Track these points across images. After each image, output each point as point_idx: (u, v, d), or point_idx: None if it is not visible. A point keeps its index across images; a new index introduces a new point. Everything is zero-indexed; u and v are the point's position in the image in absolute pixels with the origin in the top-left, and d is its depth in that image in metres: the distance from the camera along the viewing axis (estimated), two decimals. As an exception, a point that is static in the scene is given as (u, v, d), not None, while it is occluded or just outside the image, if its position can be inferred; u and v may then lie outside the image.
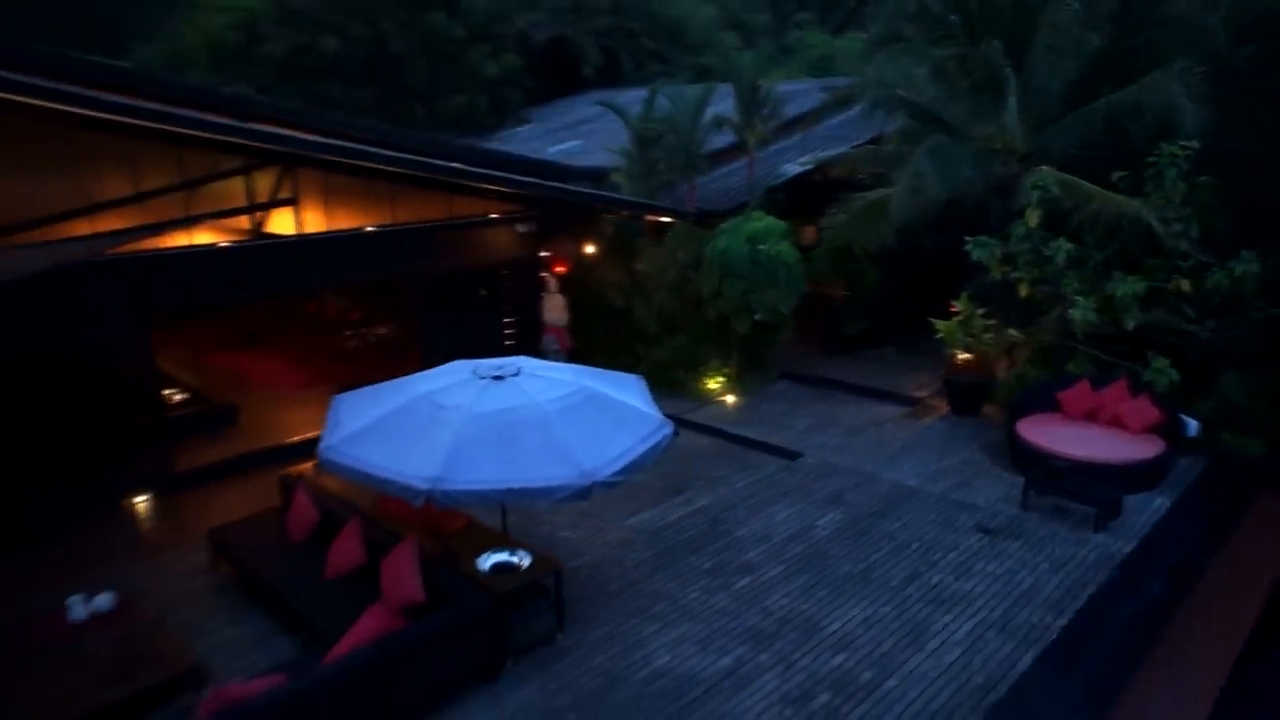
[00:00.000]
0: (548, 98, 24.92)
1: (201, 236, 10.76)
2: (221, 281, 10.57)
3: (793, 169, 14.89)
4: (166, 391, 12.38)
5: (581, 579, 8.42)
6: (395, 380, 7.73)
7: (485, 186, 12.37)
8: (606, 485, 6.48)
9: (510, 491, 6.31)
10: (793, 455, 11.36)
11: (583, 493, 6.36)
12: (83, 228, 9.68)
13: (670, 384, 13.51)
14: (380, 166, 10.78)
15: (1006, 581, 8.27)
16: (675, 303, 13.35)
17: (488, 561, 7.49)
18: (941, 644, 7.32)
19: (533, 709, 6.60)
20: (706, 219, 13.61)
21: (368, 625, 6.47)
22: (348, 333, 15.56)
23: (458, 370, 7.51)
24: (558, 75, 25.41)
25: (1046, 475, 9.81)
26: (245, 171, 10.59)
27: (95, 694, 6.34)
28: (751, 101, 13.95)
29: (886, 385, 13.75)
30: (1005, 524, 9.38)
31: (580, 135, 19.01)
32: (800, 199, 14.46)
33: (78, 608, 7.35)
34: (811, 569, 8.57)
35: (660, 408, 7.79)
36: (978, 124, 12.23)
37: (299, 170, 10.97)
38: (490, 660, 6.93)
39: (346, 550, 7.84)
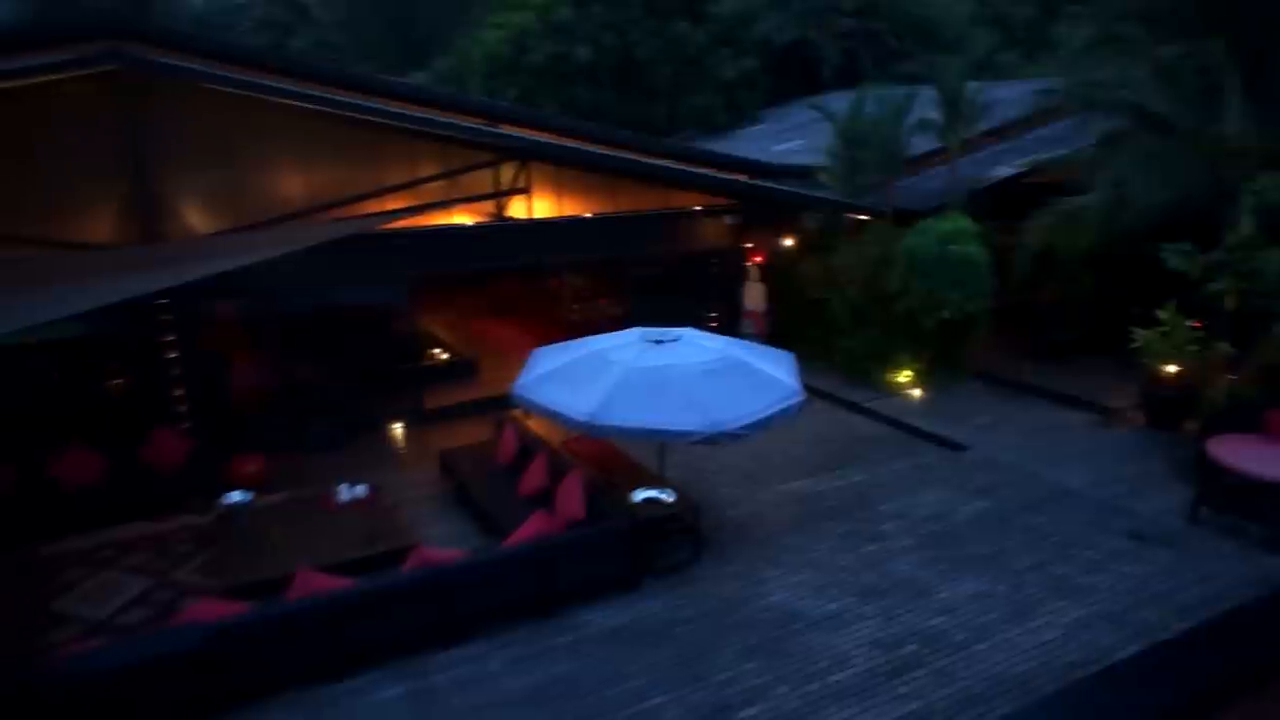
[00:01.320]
0: (785, 98, 25.91)
1: (457, 218, 13.23)
2: (468, 255, 13.08)
3: (1003, 171, 14.89)
4: (425, 346, 15.19)
5: (729, 527, 9.64)
6: (582, 339, 9.41)
7: (691, 181, 13.85)
8: (731, 436, 7.67)
9: (649, 430, 7.68)
10: (958, 447, 11.74)
11: (709, 439, 7.61)
12: (372, 207, 12.39)
13: (858, 373, 14.24)
14: (597, 162, 12.73)
15: (1139, 583, 8.36)
16: (866, 297, 14.00)
17: (640, 495, 8.96)
18: (1044, 624, 7.72)
19: (658, 615, 7.96)
20: (904, 218, 14.10)
21: (533, 526, 8.18)
22: (575, 307, 17.78)
23: (631, 335, 9.00)
24: (797, 77, 26.31)
25: (1228, 491, 9.50)
26: (492, 165, 12.91)
27: (346, 550, 8.56)
28: (955, 104, 14.18)
29: (1082, 393, 13.47)
30: (1162, 534, 9.29)
31: (805, 135, 19.90)
32: (1006, 203, 14.45)
33: (343, 492, 9.79)
34: (940, 545, 9.16)
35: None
36: (1207, 125, 11.70)
37: (533, 164, 13.14)
38: (631, 574, 8.38)
39: (535, 475, 9.66)
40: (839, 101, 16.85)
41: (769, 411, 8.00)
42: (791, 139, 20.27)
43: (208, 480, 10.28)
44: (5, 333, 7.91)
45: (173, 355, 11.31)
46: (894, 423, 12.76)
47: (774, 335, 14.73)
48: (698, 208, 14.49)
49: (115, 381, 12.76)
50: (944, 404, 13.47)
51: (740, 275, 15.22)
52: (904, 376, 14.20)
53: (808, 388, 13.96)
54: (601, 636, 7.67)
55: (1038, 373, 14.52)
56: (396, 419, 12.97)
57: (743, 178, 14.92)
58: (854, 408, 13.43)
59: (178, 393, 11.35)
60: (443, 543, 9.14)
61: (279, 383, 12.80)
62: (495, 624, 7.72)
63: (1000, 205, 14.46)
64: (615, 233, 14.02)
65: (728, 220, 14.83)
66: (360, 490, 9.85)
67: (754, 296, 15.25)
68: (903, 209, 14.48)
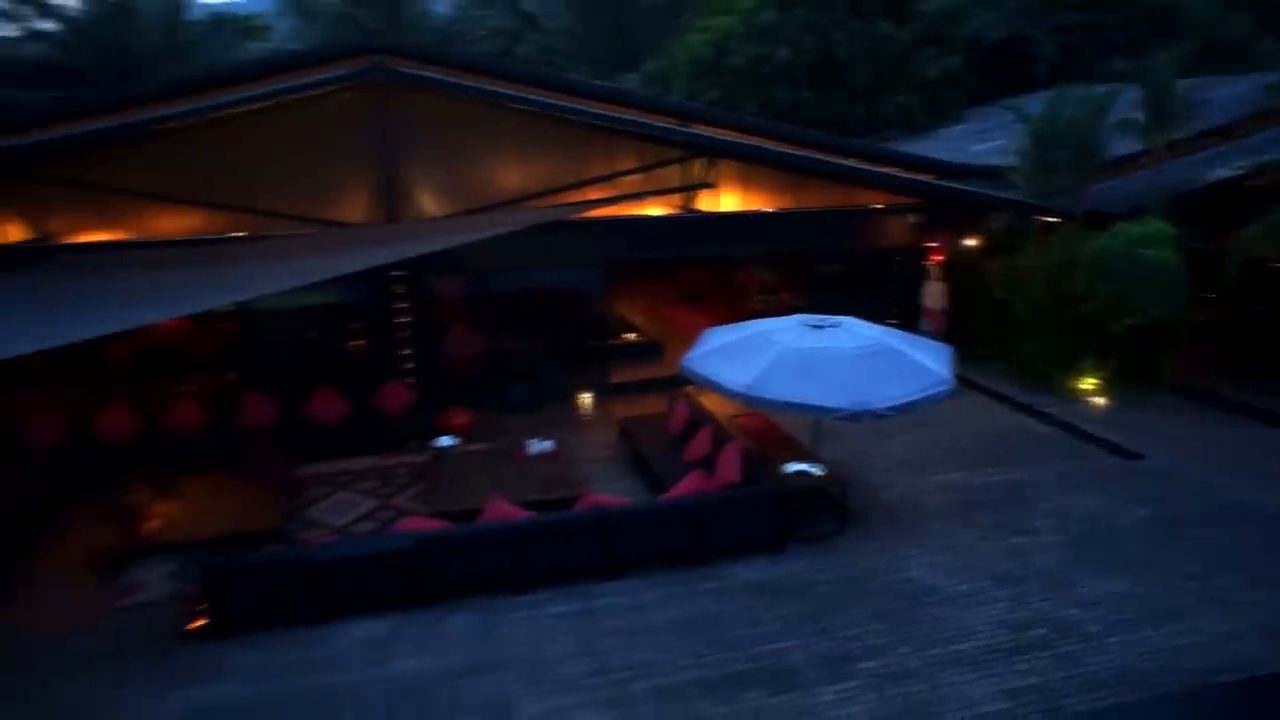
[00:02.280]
0: (993, 97, 25.15)
1: (650, 209, 14.42)
2: (658, 243, 14.29)
3: (1220, 173, 14.03)
4: (616, 327, 16.59)
5: (879, 507, 10.15)
6: (749, 321, 10.25)
7: (874, 180, 14.24)
8: (875, 415, 8.25)
9: (799, 404, 8.40)
10: (1133, 456, 11.45)
11: (853, 416, 8.24)
12: (575, 197, 13.84)
13: (1038, 377, 14.05)
14: (780, 160, 13.47)
15: (1308, 602, 8.06)
16: (1050, 299, 13.77)
17: (792, 467, 9.70)
18: (1189, 629, 7.70)
19: (798, 575, 8.69)
20: (1097, 221, 13.72)
21: (691, 483, 9.16)
22: (759, 298, 18.59)
23: (793, 319, 9.74)
24: (1008, 75, 25.43)
25: None
26: (683, 160, 14.00)
27: (530, 493, 9.92)
28: (1162, 103, 13.56)
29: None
30: (1350, 559, 8.79)
31: (1005, 135, 19.44)
32: (1223, 207, 13.65)
33: (533, 446, 11.24)
34: (1091, 545, 9.19)
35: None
36: None
37: (722, 160, 14.09)
38: (778, 537, 9.14)
39: (700, 444, 10.63)
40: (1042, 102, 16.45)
41: (914, 396, 8.48)
42: (990, 139, 19.86)
43: (424, 427, 12.11)
44: (284, 289, 10.00)
45: (403, 321, 13.30)
46: (1068, 427, 12.56)
47: (952, 335, 14.77)
48: (879, 206, 14.84)
49: (357, 342, 15.10)
50: (1129, 414, 13.03)
51: (921, 274, 15.38)
52: (1087, 383, 13.83)
53: (982, 388, 14.20)
54: (745, 587, 8.51)
55: (1248, 389, 13.61)
56: (585, 389, 14.37)
57: (929, 178, 15.07)
58: (1028, 410, 13.31)
59: (405, 353, 13.34)
60: (614, 495, 10.32)
61: (487, 351, 14.60)
62: (652, 566, 8.77)
63: (1215, 210, 13.69)
64: (797, 228, 14.70)
65: (911, 219, 15.06)
66: (547, 445, 11.26)
67: (934, 295, 15.36)
68: (1095, 211, 14.06)
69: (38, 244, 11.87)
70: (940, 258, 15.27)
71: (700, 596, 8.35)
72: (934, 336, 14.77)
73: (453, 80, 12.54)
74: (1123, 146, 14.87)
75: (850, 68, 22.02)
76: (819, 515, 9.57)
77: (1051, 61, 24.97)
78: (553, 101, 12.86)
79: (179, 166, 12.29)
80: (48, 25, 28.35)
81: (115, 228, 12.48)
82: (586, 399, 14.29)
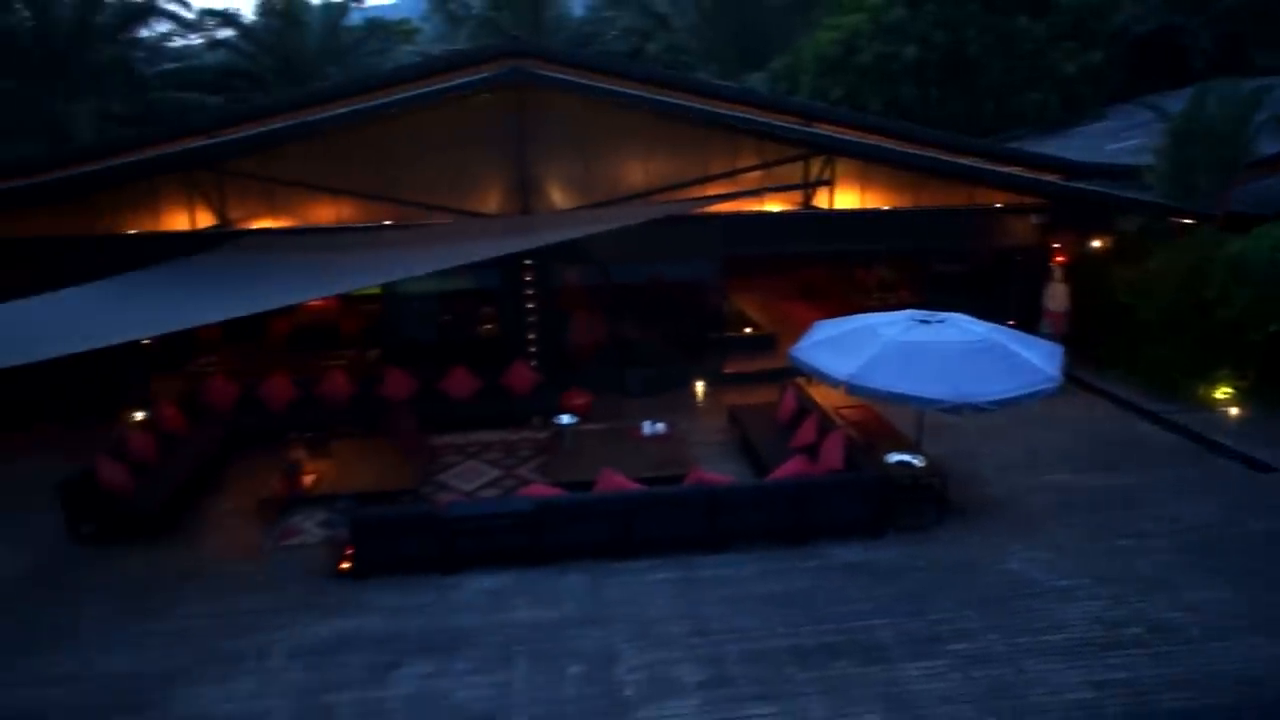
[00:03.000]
0: (1145, 92, 24.02)
1: (768, 205, 14.83)
2: (774, 238, 14.71)
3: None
4: (733, 320, 17.08)
5: (982, 502, 10.27)
6: (859, 315, 10.56)
7: (995, 180, 14.15)
8: (975, 409, 8.46)
9: (900, 395, 8.70)
10: (1264, 468, 11.03)
11: (954, 408, 8.48)
12: (696, 192, 14.42)
13: (1164, 383, 13.59)
14: (898, 159, 13.61)
15: None
16: (1181, 304, 13.32)
17: (894, 458, 9.97)
18: (1298, 637, 7.55)
19: (894, 560, 9.00)
20: (1239, 224, 13.17)
21: (794, 466, 9.59)
22: (875, 295, 18.63)
23: (901, 314, 9.98)
24: (1159, 69, 24.20)
25: None
26: (802, 159, 14.32)
27: (643, 470, 10.57)
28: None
29: None
30: None
31: (1145, 134, 18.68)
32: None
33: (647, 427, 11.91)
34: (1201, 553, 9.04)
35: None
36: None
37: (838, 158, 14.35)
38: (876, 523, 9.45)
39: (806, 432, 11.02)
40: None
41: (1018, 392, 8.61)
42: (1129, 137, 19.11)
43: (547, 406, 12.99)
44: (426, 273, 11.09)
45: (531, 307, 14.25)
46: (1193, 435, 12.17)
47: (1074, 337, 14.49)
48: (1000, 205, 14.70)
49: (488, 325, 16.22)
50: (1265, 425, 12.46)
51: (1043, 275, 15.12)
52: (1220, 392, 13.29)
53: (1102, 392, 13.92)
54: (841, 567, 8.90)
55: None
56: (699, 378, 14.94)
57: (1055, 177, 14.81)
58: (1151, 416, 12.95)
59: (531, 336, 14.30)
60: (719, 472, 10.84)
61: (608, 338, 15.39)
62: (753, 542, 9.27)
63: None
64: (916, 226, 14.77)
65: (1034, 219, 14.84)
66: (660, 427, 11.91)
67: (1056, 297, 15.06)
68: (1238, 213, 13.48)
69: (220, 229, 13.45)
70: (1064, 259, 14.97)
71: (797, 573, 8.79)
72: (1054, 339, 14.53)
73: (584, 82, 13.37)
74: (1275, 145, 14.18)
75: (981, 64, 21.57)
76: (918, 505, 9.79)
77: (1208, 54, 23.60)
78: (677, 102, 13.49)
79: (336, 160, 13.61)
80: (228, 34, 31.24)
81: (282, 216, 13.97)
82: (700, 387, 14.86)
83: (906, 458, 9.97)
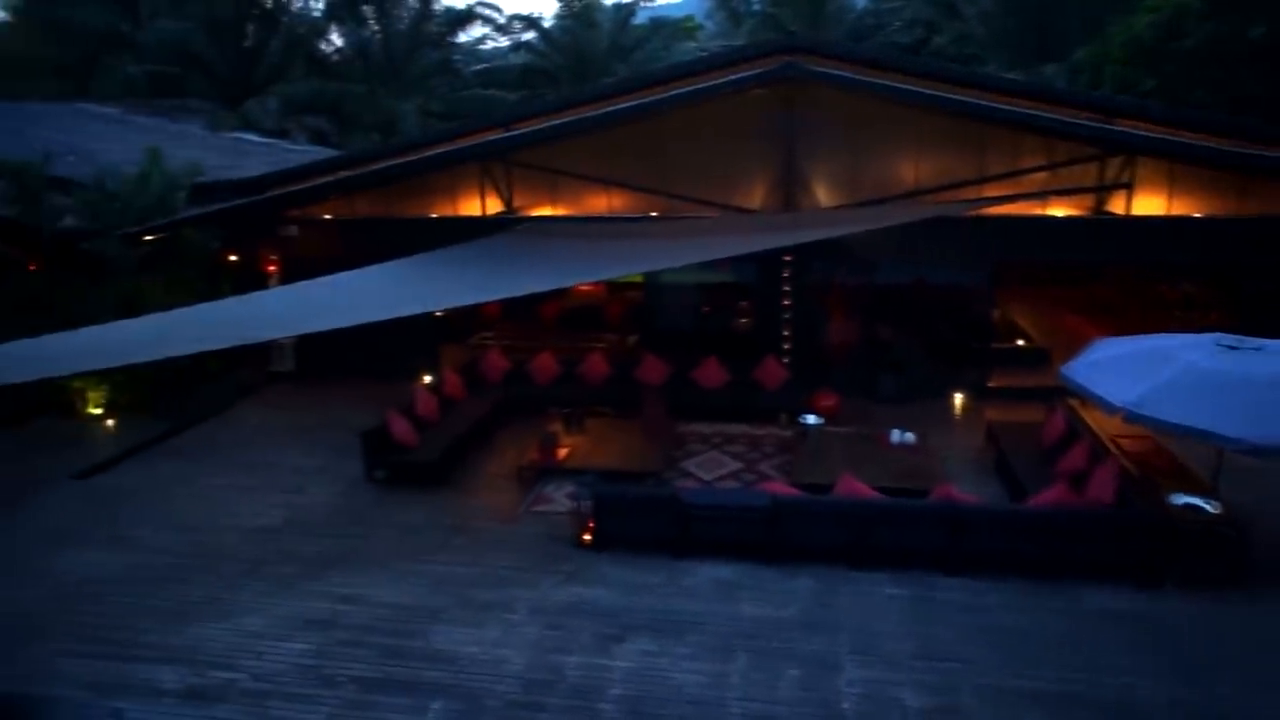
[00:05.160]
0: None
1: (1053, 210, 13.54)
2: (1057, 246, 13.48)
3: None
4: (1001, 330, 15.87)
5: (1291, 563, 8.77)
6: (1151, 335, 9.40)
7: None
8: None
9: (1192, 429, 7.60)
10: None
11: (1256, 451, 7.32)
12: (970, 193, 13.51)
13: None
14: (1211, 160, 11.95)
15: None
16: None
17: (1180, 499, 8.77)
18: None
19: (1168, 618, 7.93)
20: None
21: (1055, 494, 8.77)
22: (1177, 314, 16.40)
23: (1205, 337, 8.71)
24: None
25: None
26: (1096, 159, 12.89)
27: (886, 479, 10.15)
28: None
29: None
30: None
31: None
32: None
33: (895, 436, 11.45)
34: None
35: None
36: None
37: (1141, 158, 12.73)
38: (1149, 571, 8.38)
39: (1075, 458, 10.01)
40: None
41: (1353, 440, 7.23)
42: None
43: (794, 404, 12.89)
44: (689, 264, 11.45)
45: (786, 304, 14.19)
46: None
47: None
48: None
49: (743, 319, 16.38)
50: None
51: None
52: None
53: None
54: (1099, 613, 8.01)
55: None
56: (958, 389, 14.07)
57: None
58: None
59: (785, 333, 14.23)
60: (970, 495, 10.18)
61: (863, 339, 14.95)
62: (998, 570, 8.60)
63: None
64: (1232, 237, 12.81)
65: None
66: (909, 437, 11.39)
67: None
68: None
69: (506, 215, 14.75)
70: None
71: (1046, 612, 8.05)
72: None
73: (856, 78, 13.02)
74: None
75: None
76: (1208, 558, 8.54)
77: None
78: (955, 98, 12.72)
79: (611, 153, 14.35)
80: (530, 36, 34.11)
81: (560, 204, 15.03)
82: (959, 399, 13.99)
83: (1197, 501, 8.72)
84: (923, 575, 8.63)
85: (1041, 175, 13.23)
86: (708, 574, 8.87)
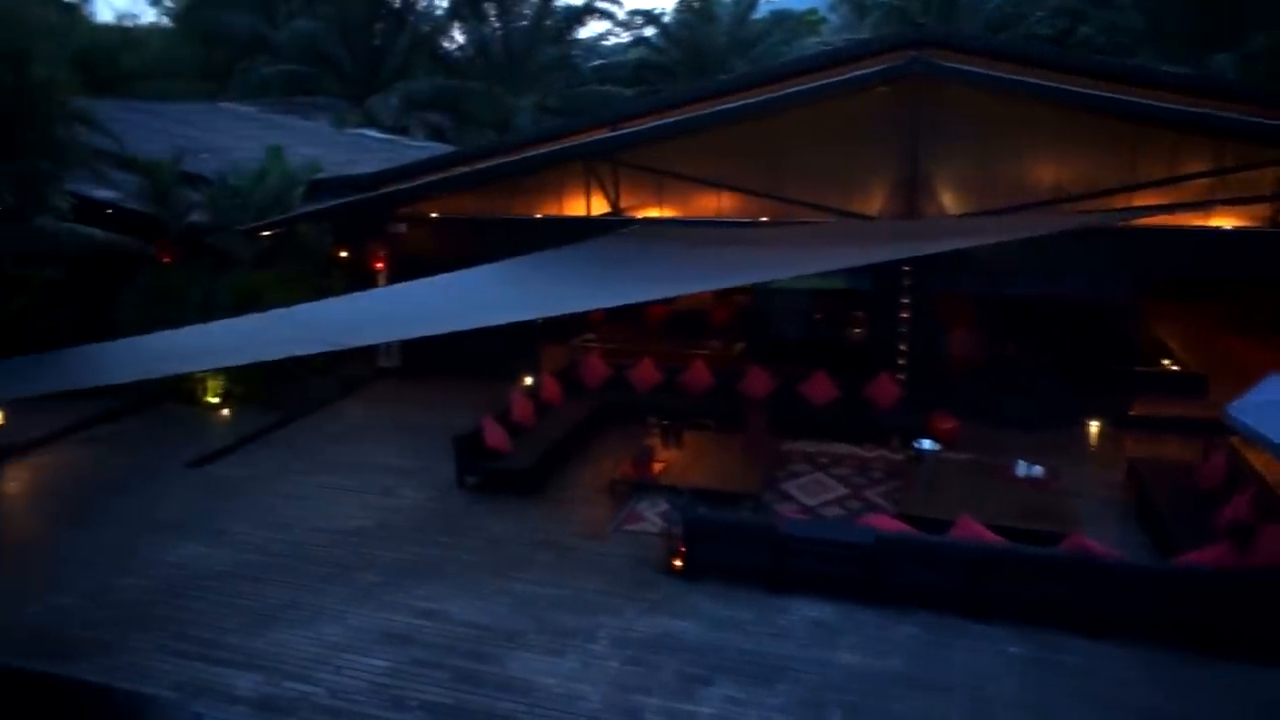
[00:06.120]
0: None
1: (1216, 220, 12.05)
2: (1223, 261, 12.01)
3: None
4: (1148, 352, 14.36)
5: None
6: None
7: None
8: None
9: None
10: None
11: None
12: (1119, 201, 12.18)
13: None
14: None
15: None
16: None
17: (1372, 568, 7.47)
18: None
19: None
20: None
21: (1213, 553, 7.65)
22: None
23: None
24: None
25: None
26: (1276, 163, 11.35)
27: (1008, 518, 9.15)
28: None
29: None
30: None
31: None
32: None
33: (1021, 468, 10.39)
34: None
35: None
36: None
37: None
38: (1334, 652, 7.18)
39: (1237, 508, 8.73)
40: None
41: None
42: None
43: (908, 425, 11.93)
44: (801, 275, 10.73)
45: (904, 315, 13.22)
46: None
47: None
48: None
49: (857, 330, 15.47)
50: None
51: None
52: None
53: None
54: (1275, 702, 6.89)
55: None
56: (1094, 417, 12.77)
57: None
58: None
59: (901, 347, 13.26)
60: (1107, 544, 9.10)
61: (987, 358, 13.82)
62: (1141, 637, 7.56)
63: None
64: None
65: None
66: (1037, 470, 10.32)
67: None
68: None
69: (612, 216, 14.36)
70: None
71: (1204, 694, 6.97)
72: None
73: (990, 73, 11.95)
74: None
75: None
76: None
77: None
78: (1107, 95, 11.45)
79: (721, 153, 13.73)
80: (650, 32, 33.76)
81: (668, 206, 14.53)
82: (1094, 428, 12.69)
83: (1395, 571, 7.41)
84: (1050, 634, 7.68)
85: (1204, 182, 11.77)
86: (803, 612, 8.19)
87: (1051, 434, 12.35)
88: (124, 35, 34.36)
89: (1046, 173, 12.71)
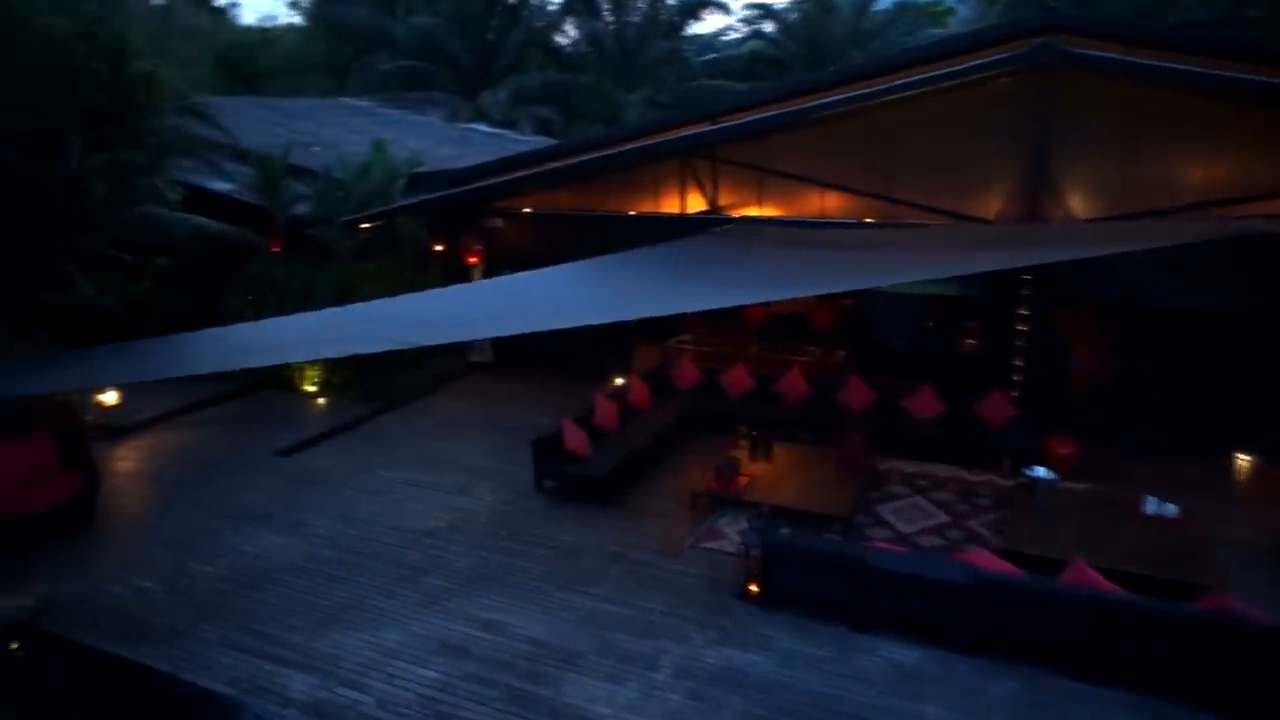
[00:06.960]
0: None
1: None
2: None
3: None
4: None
5: None
6: None
7: None
8: None
9: None
10: None
11: None
12: (1278, 206, 10.70)
13: None
14: None
15: None
16: None
17: None
18: None
19: None
20: None
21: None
22: None
23: None
24: None
25: None
26: None
27: (1132, 563, 8.11)
28: None
29: None
30: None
31: None
32: None
33: (1151, 505, 9.25)
34: None
35: None
36: None
37: None
38: None
39: None
40: None
41: None
42: None
43: (1021, 448, 10.87)
44: (913, 281, 9.89)
45: (1022, 328, 12.08)
46: None
47: None
48: None
49: (969, 340, 14.35)
50: None
51: None
52: None
53: None
54: None
55: None
56: (1246, 448, 11.32)
57: None
58: None
59: (1017, 362, 12.13)
60: (1255, 604, 7.94)
61: (1114, 377, 12.50)
62: (1289, 715, 6.49)
63: None
64: None
65: None
66: (1170, 509, 9.15)
67: None
68: None
69: (710, 214, 13.78)
70: None
71: (1363, 790, 5.90)
72: None
73: (1130, 60, 10.70)
74: None
75: None
76: None
77: None
78: (1265, 81, 10.04)
79: (826, 149, 12.92)
80: (768, 26, 32.90)
81: (769, 204, 13.82)
82: (1245, 461, 11.24)
83: None
84: (1173, 707, 6.69)
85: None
86: (888, 655, 7.46)
87: (1189, 466, 11.00)
88: (263, 35, 36.21)
89: (1194, 173, 11.32)
